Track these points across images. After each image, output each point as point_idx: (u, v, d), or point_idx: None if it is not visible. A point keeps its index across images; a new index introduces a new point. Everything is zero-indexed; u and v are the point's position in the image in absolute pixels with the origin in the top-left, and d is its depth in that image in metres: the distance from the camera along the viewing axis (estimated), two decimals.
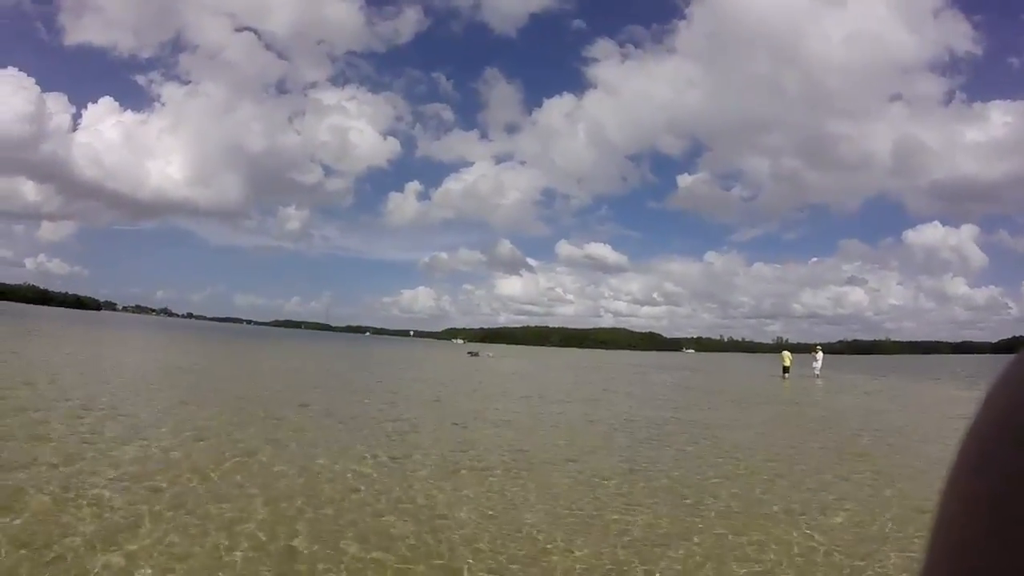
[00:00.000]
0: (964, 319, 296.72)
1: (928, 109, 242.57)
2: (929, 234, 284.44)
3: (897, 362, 77.95)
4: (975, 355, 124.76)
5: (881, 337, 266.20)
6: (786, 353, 31.50)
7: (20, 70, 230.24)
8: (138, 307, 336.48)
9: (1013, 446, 0.24)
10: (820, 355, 31.70)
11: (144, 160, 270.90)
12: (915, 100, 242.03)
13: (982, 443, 0.26)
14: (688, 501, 6.77)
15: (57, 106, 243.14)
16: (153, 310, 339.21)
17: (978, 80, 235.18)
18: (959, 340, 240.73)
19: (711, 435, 11.58)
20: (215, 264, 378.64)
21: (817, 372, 30.50)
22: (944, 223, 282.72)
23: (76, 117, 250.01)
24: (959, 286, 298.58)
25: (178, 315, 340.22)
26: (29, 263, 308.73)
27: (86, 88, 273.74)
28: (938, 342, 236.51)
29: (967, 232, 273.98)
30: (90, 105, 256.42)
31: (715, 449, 10.11)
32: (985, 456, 0.26)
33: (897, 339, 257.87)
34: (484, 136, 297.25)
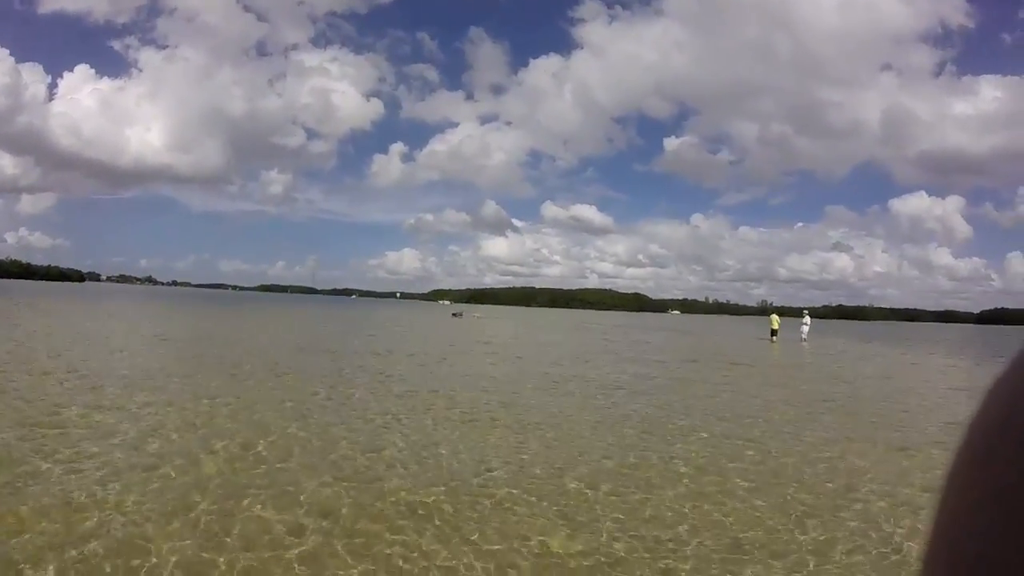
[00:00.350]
0: (947, 289, 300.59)
1: (918, 80, 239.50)
2: (915, 203, 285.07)
3: (881, 328, 77.89)
4: (957, 324, 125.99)
5: (865, 303, 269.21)
6: (775, 316, 30.45)
7: None
8: (122, 276, 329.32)
9: (1016, 441, 0.24)
10: (808, 319, 30.82)
11: (123, 128, 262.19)
12: (906, 70, 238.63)
13: (985, 438, 0.26)
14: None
15: (32, 76, 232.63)
16: (137, 279, 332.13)
17: (969, 53, 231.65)
18: (942, 309, 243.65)
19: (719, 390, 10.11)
20: (198, 231, 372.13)
21: (804, 336, 29.40)
22: (930, 193, 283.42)
23: (52, 87, 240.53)
24: (943, 256, 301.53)
25: (162, 283, 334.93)
26: (10, 237, 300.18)
27: (61, 57, 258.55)
28: (921, 310, 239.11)
29: (953, 203, 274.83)
30: (66, 74, 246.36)
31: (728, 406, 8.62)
32: (988, 451, 0.25)
33: (881, 306, 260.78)
34: (469, 97, 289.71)
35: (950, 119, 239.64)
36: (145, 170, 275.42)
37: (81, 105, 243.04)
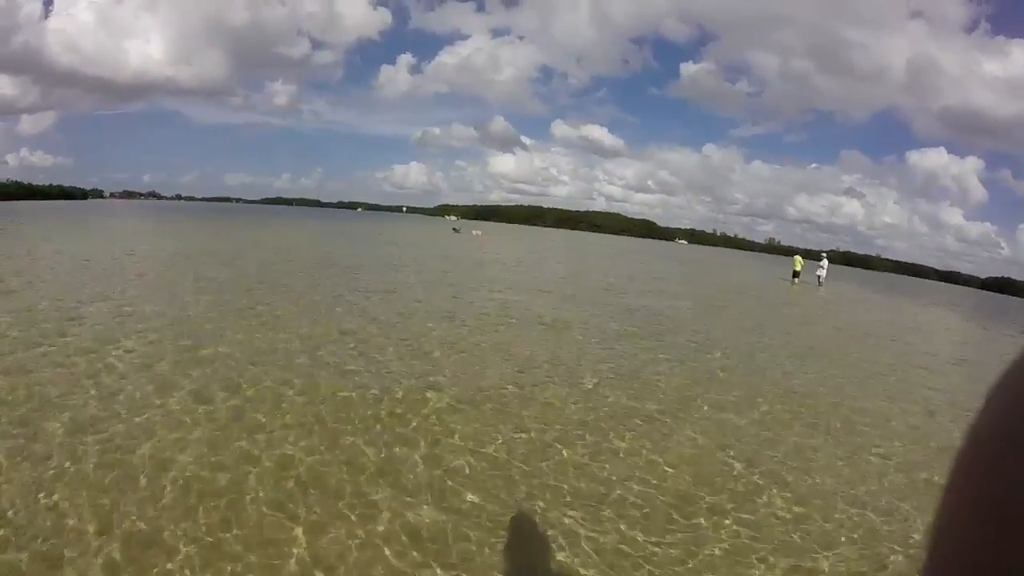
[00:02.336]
0: (955, 249, 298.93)
1: (949, 32, 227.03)
2: (933, 159, 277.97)
3: (889, 280, 78.23)
4: (960, 287, 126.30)
5: (871, 252, 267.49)
6: (798, 258, 30.42)
7: None
8: (126, 192, 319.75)
9: (1015, 447, 0.24)
10: (825, 263, 29.87)
11: (122, 41, 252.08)
12: (937, 20, 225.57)
13: (984, 444, 0.26)
14: None
15: None
16: (141, 194, 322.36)
17: (1006, 13, 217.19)
18: (947, 269, 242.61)
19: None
20: (202, 144, 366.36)
21: (821, 280, 29.30)
22: (949, 151, 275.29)
23: (47, 3, 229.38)
24: (955, 216, 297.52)
25: (167, 197, 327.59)
26: (11, 159, 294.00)
27: None
28: (926, 267, 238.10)
29: (971, 164, 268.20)
30: None
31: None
32: (988, 457, 0.25)
33: (887, 257, 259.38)
34: (480, 8, 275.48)
35: (977, 78, 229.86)
36: (146, 84, 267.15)
37: (78, 20, 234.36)
